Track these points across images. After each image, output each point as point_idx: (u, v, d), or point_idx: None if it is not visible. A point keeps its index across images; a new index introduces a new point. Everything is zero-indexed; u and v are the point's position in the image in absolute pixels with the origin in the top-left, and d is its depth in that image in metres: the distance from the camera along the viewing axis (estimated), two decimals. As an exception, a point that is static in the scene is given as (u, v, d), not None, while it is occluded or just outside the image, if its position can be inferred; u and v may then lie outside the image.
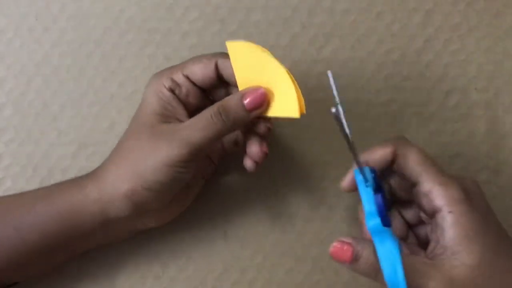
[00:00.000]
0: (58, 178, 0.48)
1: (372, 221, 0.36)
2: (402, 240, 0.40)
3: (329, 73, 0.37)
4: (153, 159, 0.39)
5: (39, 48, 0.49)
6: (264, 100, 0.40)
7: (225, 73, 0.41)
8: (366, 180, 0.37)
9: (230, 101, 0.40)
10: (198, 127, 0.39)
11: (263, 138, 0.42)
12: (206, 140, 0.39)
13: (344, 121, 0.36)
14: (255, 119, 0.41)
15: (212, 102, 0.43)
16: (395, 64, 0.49)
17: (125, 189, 0.40)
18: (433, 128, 0.48)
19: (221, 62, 0.41)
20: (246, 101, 0.40)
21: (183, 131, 0.40)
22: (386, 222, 0.36)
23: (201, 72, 0.41)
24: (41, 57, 0.49)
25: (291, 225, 0.48)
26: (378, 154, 0.39)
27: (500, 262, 0.36)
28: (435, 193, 0.37)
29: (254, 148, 0.42)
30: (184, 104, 0.42)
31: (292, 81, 0.39)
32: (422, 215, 0.40)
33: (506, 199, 0.48)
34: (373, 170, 0.38)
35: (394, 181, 0.41)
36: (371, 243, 0.37)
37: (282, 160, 0.48)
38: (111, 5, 0.50)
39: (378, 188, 0.38)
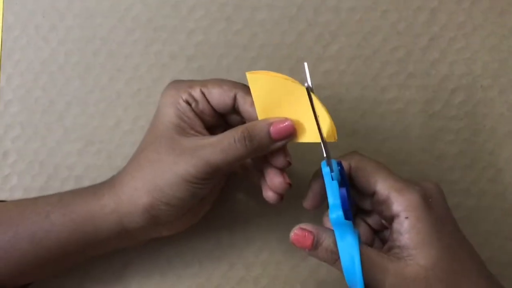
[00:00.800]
0: (64, 175, 0.48)
1: (334, 213, 0.36)
2: (367, 245, 0.40)
3: (305, 65, 0.38)
4: (172, 174, 0.39)
5: (45, 45, 0.50)
6: (291, 132, 0.39)
7: (242, 108, 0.41)
8: (332, 171, 0.37)
9: (256, 127, 0.39)
10: (220, 149, 0.39)
11: (282, 170, 0.42)
12: (226, 163, 0.39)
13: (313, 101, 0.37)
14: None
15: (227, 122, 0.43)
16: (400, 62, 0.49)
17: (143, 203, 0.40)
18: (438, 126, 0.48)
19: (240, 97, 0.40)
20: (272, 130, 0.39)
21: (204, 150, 0.39)
22: (348, 215, 0.37)
23: (218, 97, 0.41)
24: (47, 54, 0.49)
25: (296, 222, 0.48)
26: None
27: (455, 265, 0.37)
28: (392, 200, 0.38)
29: (277, 180, 0.41)
30: (200, 118, 0.41)
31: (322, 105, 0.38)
32: (383, 221, 0.41)
33: (510, 197, 0.48)
34: (339, 163, 0.39)
35: (354, 193, 0.41)
36: (331, 232, 0.38)
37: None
38: (117, 3, 0.50)
39: (343, 182, 0.38)
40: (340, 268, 0.37)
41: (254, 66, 0.49)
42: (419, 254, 0.36)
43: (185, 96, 0.41)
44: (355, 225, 0.41)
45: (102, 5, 0.50)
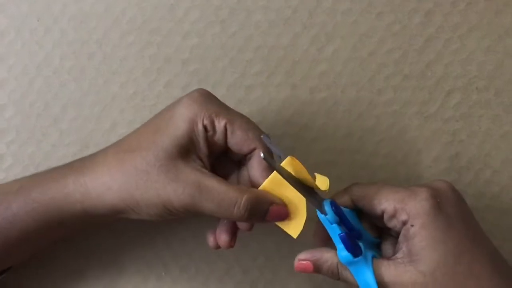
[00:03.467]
0: (59, 179, 0.48)
1: (343, 255, 0.37)
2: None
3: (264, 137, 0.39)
4: (155, 195, 0.37)
5: (40, 49, 0.49)
6: (284, 218, 0.40)
7: (252, 165, 0.40)
8: (325, 213, 0.38)
9: (260, 202, 0.38)
10: (217, 202, 0.37)
11: (234, 232, 0.41)
12: (214, 215, 0.38)
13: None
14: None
15: (229, 157, 0.42)
16: (396, 64, 0.49)
17: (113, 204, 0.38)
18: (434, 127, 0.48)
19: (257, 155, 0.39)
20: (271, 211, 0.39)
21: (200, 194, 0.37)
22: (356, 253, 0.37)
23: (239, 142, 0.39)
24: (42, 58, 0.49)
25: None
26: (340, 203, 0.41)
27: (461, 268, 0.36)
28: (398, 212, 0.38)
29: (224, 237, 0.41)
30: (208, 147, 0.39)
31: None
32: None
33: (506, 198, 0.48)
34: (332, 203, 0.39)
35: (368, 221, 0.42)
36: (329, 251, 0.39)
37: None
38: (112, 6, 0.50)
39: (342, 218, 0.39)
40: (346, 282, 0.39)
41: (249, 68, 0.49)
42: (420, 260, 0.36)
43: (206, 121, 0.38)
44: (381, 244, 0.42)
45: (97, 8, 0.50)
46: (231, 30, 0.49)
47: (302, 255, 0.40)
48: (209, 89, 0.48)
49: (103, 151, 0.41)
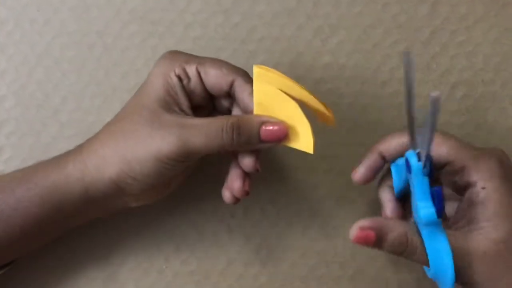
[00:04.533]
0: (60, 171, 0.48)
1: (426, 212, 0.34)
2: None
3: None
4: (144, 148, 0.37)
5: (40, 39, 0.49)
6: (282, 136, 0.38)
7: (238, 96, 0.39)
8: (424, 166, 0.34)
9: (248, 122, 0.38)
10: (204, 133, 0.37)
11: (246, 174, 0.41)
12: (206, 150, 0.38)
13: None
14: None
15: (213, 105, 0.41)
16: (401, 56, 0.48)
17: (110, 172, 0.38)
18: (439, 120, 0.48)
19: (239, 84, 0.39)
20: (263, 130, 0.38)
21: (186, 130, 0.37)
22: (441, 213, 0.35)
23: (215, 79, 0.39)
24: (42, 48, 0.49)
25: (296, 219, 0.47)
26: (395, 142, 0.39)
27: None
28: (469, 169, 0.36)
29: (236, 184, 0.40)
30: (189, 97, 0.40)
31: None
32: (450, 193, 0.39)
33: (513, 192, 0.47)
34: (430, 157, 0.35)
35: None
36: (395, 219, 0.36)
37: (287, 154, 0.48)
38: (113, -4, 0.49)
39: (432, 177, 0.36)
40: (411, 255, 0.35)
41: (253, 59, 0.48)
42: (491, 226, 0.35)
43: (178, 70, 0.39)
44: None
45: (98, -2, 0.49)
46: (234, 21, 0.49)
47: (364, 222, 0.35)
48: (211, 80, 0.48)
49: (99, 130, 0.41)
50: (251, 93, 0.39)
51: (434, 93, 0.31)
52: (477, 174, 0.36)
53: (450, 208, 0.40)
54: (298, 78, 0.48)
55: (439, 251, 0.34)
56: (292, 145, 0.39)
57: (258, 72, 0.38)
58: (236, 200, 0.41)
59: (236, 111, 0.41)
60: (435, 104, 0.31)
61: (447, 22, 0.49)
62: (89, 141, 0.40)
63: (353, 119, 0.48)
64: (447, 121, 0.48)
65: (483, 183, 0.36)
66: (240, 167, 0.41)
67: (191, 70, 0.39)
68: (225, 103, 0.42)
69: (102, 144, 0.39)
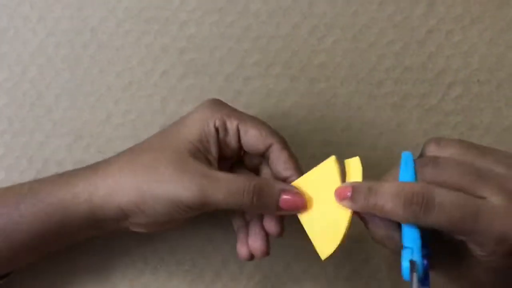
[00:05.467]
0: (53, 170, 0.47)
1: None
2: None
3: None
4: (163, 189, 0.37)
5: (34, 37, 0.48)
6: (299, 207, 0.38)
7: (273, 160, 0.40)
8: (418, 276, 0.32)
9: (269, 189, 0.38)
10: (226, 189, 0.37)
11: (267, 238, 0.41)
12: (225, 205, 0.37)
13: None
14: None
15: (239, 157, 0.41)
16: (397, 56, 0.48)
17: (120, 201, 0.38)
18: (434, 120, 0.48)
19: (276, 149, 0.39)
20: (282, 198, 0.38)
21: (208, 182, 0.37)
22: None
23: (254, 140, 0.39)
24: (36, 46, 0.48)
25: (291, 219, 0.47)
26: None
27: None
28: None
29: (258, 244, 0.40)
30: (220, 148, 0.40)
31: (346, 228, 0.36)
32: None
33: (508, 192, 0.47)
34: (425, 258, 0.34)
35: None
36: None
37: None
38: (108, -7, 0.49)
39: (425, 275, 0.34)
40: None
41: (247, 58, 0.48)
42: None
43: (218, 122, 0.39)
44: None
45: (92, -4, 0.49)
46: (229, 19, 0.49)
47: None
48: (206, 79, 0.48)
49: (118, 154, 0.41)
50: (285, 161, 0.39)
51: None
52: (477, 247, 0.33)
53: None
54: (293, 77, 0.48)
55: None
56: (312, 241, 0.38)
57: (332, 164, 0.38)
58: (252, 258, 0.41)
59: (265, 171, 0.41)
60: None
61: (443, 22, 0.48)
62: (107, 162, 0.40)
63: (348, 119, 0.48)
64: (442, 121, 0.48)
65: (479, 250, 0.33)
66: (263, 229, 0.40)
67: (232, 125, 0.39)
68: (255, 160, 0.42)
69: (120, 171, 0.39)
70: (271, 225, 0.40)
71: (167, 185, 0.37)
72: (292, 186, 0.39)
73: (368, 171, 0.47)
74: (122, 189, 0.38)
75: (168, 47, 0.48)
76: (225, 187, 0.37)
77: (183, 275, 0.47)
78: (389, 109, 0.48)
